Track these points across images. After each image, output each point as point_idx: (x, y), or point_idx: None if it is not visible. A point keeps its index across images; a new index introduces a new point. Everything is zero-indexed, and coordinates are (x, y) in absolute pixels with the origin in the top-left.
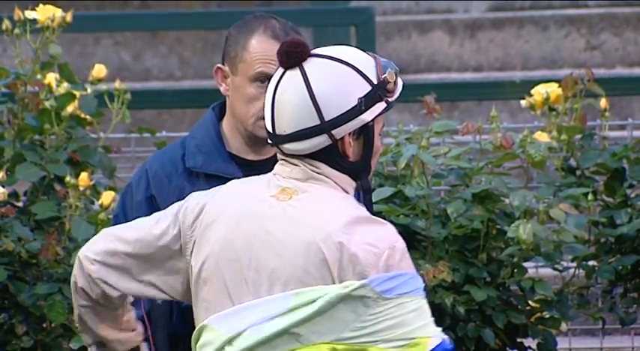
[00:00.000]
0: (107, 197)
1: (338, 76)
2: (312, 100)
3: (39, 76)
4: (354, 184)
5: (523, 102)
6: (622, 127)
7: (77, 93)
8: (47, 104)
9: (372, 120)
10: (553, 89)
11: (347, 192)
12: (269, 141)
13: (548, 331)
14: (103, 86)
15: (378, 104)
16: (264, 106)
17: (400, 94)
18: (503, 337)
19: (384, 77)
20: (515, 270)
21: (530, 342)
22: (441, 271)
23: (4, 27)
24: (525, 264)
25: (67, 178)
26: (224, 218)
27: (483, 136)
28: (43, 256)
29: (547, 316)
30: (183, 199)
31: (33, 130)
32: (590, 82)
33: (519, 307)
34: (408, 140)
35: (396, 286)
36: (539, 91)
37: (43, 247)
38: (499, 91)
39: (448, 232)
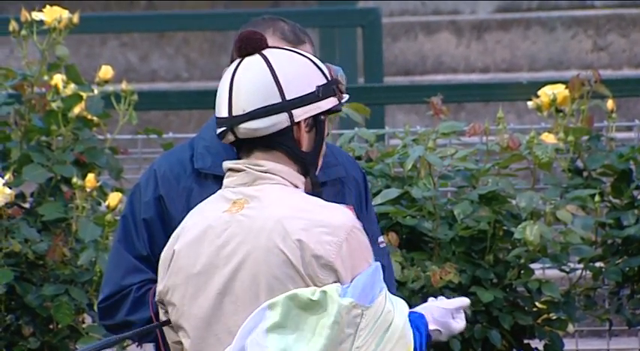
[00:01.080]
0: (114, 198)
1: (297, 63)
2: (274, 78)
3: (46, 78)
4: (302, 178)
5: (530, 103)
6: (629, 129)
7: (84, 94)
8: (54, 105)
9: (327, 112)
10: (560, 90)
11: (296, 187)
12: (221, 128)
13: (555, 332)
14: (110, 87)
15: (332, 98)
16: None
17: (347, 100)
18: (509, 338)
19: (337, 77)
20: (522, 271)
21: (537, 343)
22: (447, 273)
23: (11, 28)
24: (532, 265)
25: (74, 180)
26: (185, 248)
27: (490, 138)
28: (50, 258)
29: (554, 317)
30: (191, 199)
31: (40, 132)
32: (597, 84)
33: (526, 308)
34: (414, 141)
35: (372, 289)
36: (546, 93)
37: (49, 249)
38: (506, 93)
39: (455, 234)
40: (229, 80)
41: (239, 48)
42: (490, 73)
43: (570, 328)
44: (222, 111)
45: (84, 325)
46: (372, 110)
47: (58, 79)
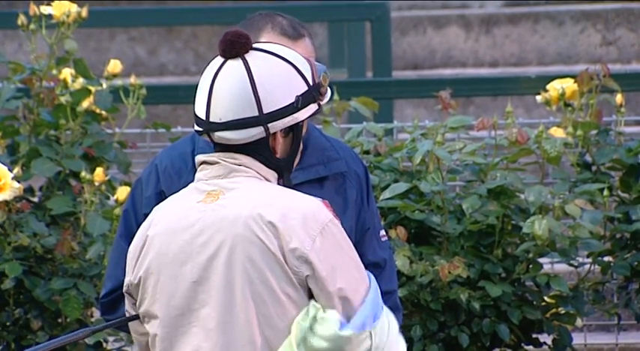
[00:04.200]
0: (122, 192)
1: (279, 71)
2: (253, 91)
3: (54, 72)
4: (276, 175)
5: (539, 97)
6: (638, 123)
7: (92, 88)
8: (63, 99)
9: (304, 120)
10: (569, 85)
11: (269, 181)
12: (198, 128)
13: (564, 326)
14: (119, 81)
15: (311, 105)
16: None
17: (330, 98)
18: (518, 332)
19: (319, 80)
20: (531, 266)
21: (546, 338)
22: (456, 267)
23: (19, 22)
24: (541, 260)
25: (83, 174)
26: (157, 237)
27: (499, 132)
28: (59, 252)
29: (562, 311)
30: None
31: (48, 126)
32: (605, 78)
33: (534, 302)
34: (423, 136)
35: (376, 312)
36: (555, 87)
37: (58, 243)
38: (514, 87)
39: (463, 228)
40: (209, 82)
41: (223, 50)
42: (499, 67)
43: (579, 322)
44: (200, 111)
45: (92, 319)
46: (381, 104)
47: (67, 73)
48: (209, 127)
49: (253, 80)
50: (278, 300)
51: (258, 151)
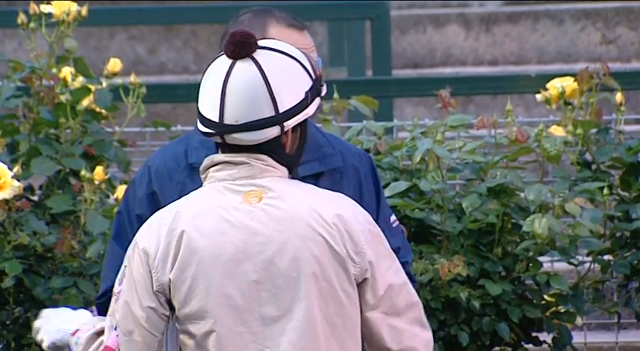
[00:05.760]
0: (122, 191)
1: (288, 69)
2: (268, 91)
3: (54, 70)
4: (287, 171)
5: (538, 96)
6: (638, 121)
7: (92, 87)
8: (62, 98)
9: (313, 114)
10: (568, 83)
11: None
12: (209, 130)
13: (564, 325)
14: (118, 80)
15: (316, 99)
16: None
17: (330, 96)
18: (518, 331)
19: (319, 73)
20: (531, 264)
21: (546, 336)
22: (456, 266)
23: (19, 21)
24: (540, 258)
25: (83, 172)
26: (204, 238)
27: (498, 130)
28: (59, 250)
29: (562, 310)
30: (184, 194)
31: (48, 124)
32: (605, 76)
33: (534, 301)
34: (423, 134)
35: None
36: (555, 85)
37: (58, 241)
38: (514, 85)
39: (463, 227)
40: (221, 84)
41: (232, 51)
42: (499, 65)
43: (579, 321)
44: (211, 114)
45: None
46: (381, 103)
47: (67, 71)
48: (224, 129)
49: (267, 80)
50: (337, 297)
51: (271, 149)
